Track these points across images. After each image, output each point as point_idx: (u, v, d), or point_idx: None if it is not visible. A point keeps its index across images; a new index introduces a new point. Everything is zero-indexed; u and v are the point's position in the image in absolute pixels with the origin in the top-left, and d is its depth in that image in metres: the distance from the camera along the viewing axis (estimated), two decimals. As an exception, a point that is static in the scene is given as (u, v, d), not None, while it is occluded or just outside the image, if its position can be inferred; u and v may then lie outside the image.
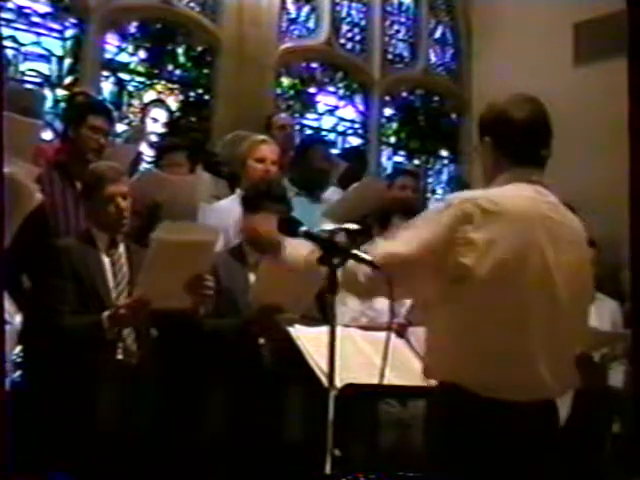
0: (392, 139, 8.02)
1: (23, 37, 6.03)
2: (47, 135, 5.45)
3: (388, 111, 7.97)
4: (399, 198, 4.84)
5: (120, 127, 6.25)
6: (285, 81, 7.36)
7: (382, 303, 2.86)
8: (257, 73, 6.87)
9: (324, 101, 7.59)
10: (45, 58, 6.15)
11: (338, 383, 2.44)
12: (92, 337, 3.25)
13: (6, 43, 5.74)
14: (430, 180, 8.14)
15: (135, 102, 6.57)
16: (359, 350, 3.19)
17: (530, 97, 2.47)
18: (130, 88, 6.55)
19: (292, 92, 7.39)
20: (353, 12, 7.80)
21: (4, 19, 5.74)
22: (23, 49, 6.02)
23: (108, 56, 6.43)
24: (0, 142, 2.39)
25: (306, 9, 7.47)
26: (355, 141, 7.75)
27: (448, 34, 8.33)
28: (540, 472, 2.33)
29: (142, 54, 6.63)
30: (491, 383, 2.26)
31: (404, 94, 8.07)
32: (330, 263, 2.28)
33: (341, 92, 7.70)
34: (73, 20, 6.28)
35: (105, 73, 6.39)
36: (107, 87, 6.40)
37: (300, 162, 5.04)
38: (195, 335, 3.51)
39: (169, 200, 4.00)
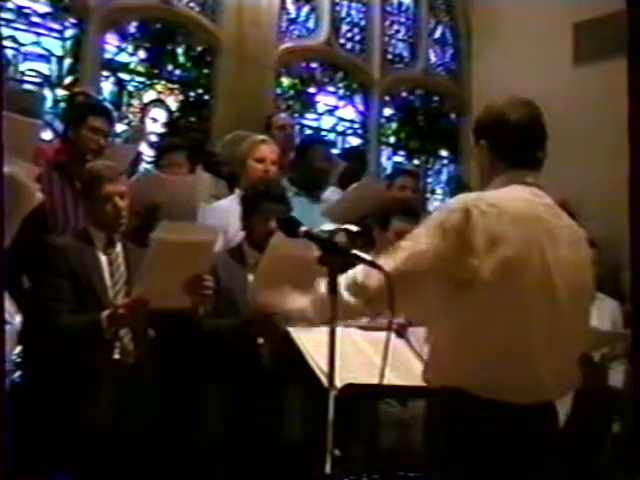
0: (392, 139, 8.01)
1: (23, 37, 6.02)
2: (47, 135, 5.44)
3: (388, 111, 7.96)
4: (399, 198, 4.84)
5: (120, 127, 6.24)
6: (285, 81, 7.35)
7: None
8: (257, 73, 6.86)
9: (324, 101, 7.58)
10: (45, 58, 6.14)
11: (338, 383, 2.43)
12: (90, 336, 3.24)
13: (6, 43, 5.74)
14: (430, 180, 8.13)
15: (135, 102, 6.56)
16: (359, 350, 3.19)
17: (526, 100, 2.47)
18: (130, 88, 6.55)
19: (292, 92, 7.39)
20: (353, 12, 7.79)
21: (4, 19, 5.74)
22: (23, 49, 6.01)
23: (108, 56, 6.42)
24: (0, 142, 2.39)
25: (306, 9, 7.46)
26: (355, 141, 7.73)
27: (448, 34, 8.33)
28: (540, 474, 2.34)
29: (142, 54, 6.62)
30: (492, 385, 2.26)
31: (404, 94, 8.06)
32: (330, 263, 2.28)
33: (341, 92, 7.69)
34: (73, 20, 6.28)
35: (105, 73, 6.39)
36: (107, 87, 6.40)
37: (300, 162, 5.04)
38: (194, 335, 3.51)
39: (169, 200, 3.99)
